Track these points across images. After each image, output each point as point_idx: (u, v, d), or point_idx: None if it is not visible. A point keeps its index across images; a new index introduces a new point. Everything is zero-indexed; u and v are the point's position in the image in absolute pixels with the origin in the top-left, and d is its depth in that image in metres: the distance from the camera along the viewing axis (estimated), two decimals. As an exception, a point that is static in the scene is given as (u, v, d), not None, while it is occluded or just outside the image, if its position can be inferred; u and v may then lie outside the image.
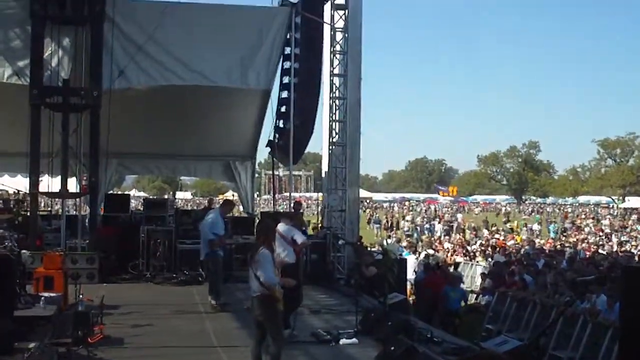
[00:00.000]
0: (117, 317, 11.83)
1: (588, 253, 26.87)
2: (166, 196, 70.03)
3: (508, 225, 55.38)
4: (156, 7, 16.98)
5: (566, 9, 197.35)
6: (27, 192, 17.11)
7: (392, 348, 9.14)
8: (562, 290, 14.32)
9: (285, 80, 18.49)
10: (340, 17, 18.68)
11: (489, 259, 24.36)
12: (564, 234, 45.70)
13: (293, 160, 18.53)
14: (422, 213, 71.91)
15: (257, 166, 28.21)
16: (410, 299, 19.86)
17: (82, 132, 16.59)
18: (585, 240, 36.10)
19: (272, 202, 30.47)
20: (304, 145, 19.31)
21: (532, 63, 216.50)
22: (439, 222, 53.88)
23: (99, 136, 16.58)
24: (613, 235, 42.61)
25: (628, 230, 47.96)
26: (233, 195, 40.35)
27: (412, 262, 22.76)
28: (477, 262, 25.32)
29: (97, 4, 16.24)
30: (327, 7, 18.67)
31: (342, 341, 10.67)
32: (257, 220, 18.43)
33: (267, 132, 20.31)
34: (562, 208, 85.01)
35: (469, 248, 30.78)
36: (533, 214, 75.27)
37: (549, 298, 14.49)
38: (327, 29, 18.70)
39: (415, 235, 45.58)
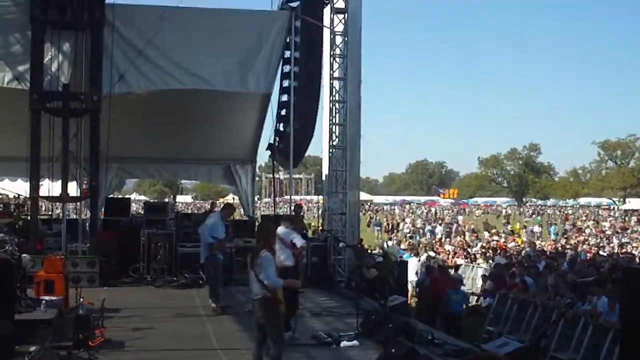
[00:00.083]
0: (117, 321, 11.82)
1: (589, 255, 26.88)
2: (167, 200, 70.03)
3: (509, 227, 55.34)
4: (156, 11, 17.00)
5: (566, 9, 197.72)
6: (28, 196, 17.14)
7: (393, 350, 9.14)
8: (562, 292, 14.33)
9: (285, 83, 18.50)
10: (340, 20, 18.70)
11: (490, 261, 24.35)
12: (565, 235, 45.66)
13: (293, 163, 18.54)
14: (422, 215, 71.89)
15: (257, 169, 28.22)
16: (413, 301, 19.89)
17: (82, 136, 16.60)
18: (586, 242, 36.08)
19: (272, 205, 30.45)
20: (304, 149, 19.33)
21: (532, 65, 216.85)
22: (440, 225, 53.85)
23: (99, 140, 16.61)
24: (614, 237, 42.59)
25: (629, 231, 47.94)
26: (234, 198, 40.36)
27: (413, 265, 22.80)
28: (478, 264, 25.31)
29: (97, 9, 16.27)
30: (326, 10, 18.70)
31: (343, 343, 10.66)
32: (258, 224, 18.44)
33: (268, 135, 20.37)
34: (562, 210, 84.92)
35: (469, 250, 30.75)
36: (534, 216, 75.19)
37: (549, 300, 14.50)
38: (326, 33, 18.72)
39: (417, 237, 45.58)
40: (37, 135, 16.11)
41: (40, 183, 16.78)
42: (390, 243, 34.10)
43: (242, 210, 25.62)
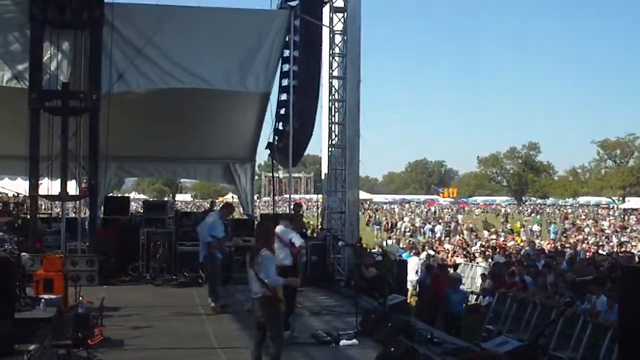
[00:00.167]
0: (117, 319, 11.83)
1: (588, 254, 26.90)
2: (166, 198, 70.00)
3: (508, 226, 55.38)
4: (155, 11, 17.01)
5: (566, 9, 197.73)
6: (27, 194, 17.13)
7: (392, 349, 9.14)
8: (562, 291, 14.34)
9: (285, 82, 18.50)
10: (339, 19, 18.70)
11: (489, 260, 24.36)
12: (564, 234, 45.70)
13: (293, 162, 18.54)
14: (422, 214, 71.90)
15: (257, 168, 28.23)
16: (412, 300, 19.90)
17: (82, 135, 16.61)
18: (586, 241, 36.10)
19: (272, 204, 30.45)
20: (303, 148, 19.32)
21: (531, 64, 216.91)
22: (439, 224, 53.89)
23: (99, 139, 16.61)
24: (613, 236, 42.62)
25: (628, 230, 47.98)
26: (233, 197, 40.37)
27: (414, 264, 22.82)
28: (477, 263, 25.32)
29: (96, 8, 16.26)
30: (326, 9, 18.68)
31: (342, 342, 10.67)
32: (257, 222, 18.46)
33: (267, 134, 20.37)
34: (562, 209, 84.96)
35: (469, 249, 30.75)
36: (533, 215, 75.24)
37: (549, 299, 14.51)
38: (326, 32, 18.70)
39: (418, 236, 45.66)
40: (37, 134, 16.11)
41: (40, 182, 16.79)
42: (389, 242, 34.14)
43: (241, 209, 25.62)
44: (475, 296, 20.05)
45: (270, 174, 28.55)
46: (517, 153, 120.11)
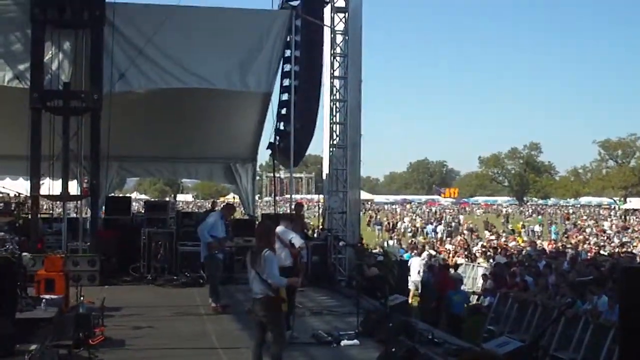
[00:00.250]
0: (118, 319, 11.84)
1: (590, 254, 26.88)
2: (167, 199, 70.04)
3: (510, 226, 55.39)
4: (156, 10, 17.01)
5: (566, 8, 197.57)
6: (28, 194, 17.13)
7: (393, 349, 9.14)
8: (563, 291, 14.33)
9: (286, 82, 18.49)
10: (341, 19, 18.69)
11: (491, 260, 24.35)
12: (565, 235, 45.70)
13: (294, 162, 18.53)
14: (423, 215, 71.93)
15: (258, 168, 28.21)
16: (414, 300, 19.91)
17: (83, 135, 16.60)
18: (587, 242, 36.08)
19: (273, 204, 30.45)
20: (304, 148, 19.32)
21: (532, 64, 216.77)
22: (440, 224, 53.94)
23: (100, 139, 16.60)
24: (615, 237, 42.59)
25: (630, 231, 47.95)
26: (234, 197, 40.36)
27: (416, 264, 22.85)
28: (479, 263, 25.32)
29: (97, 8, 16.26)
30: (327, 9, 18.67)
31: (343, 342, 10.66)
32: (257, 222, 18.45)
33: (268, 134, 20.38)
34: (563, 209, 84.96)
35: (470, 249, 30.74)
36: (534, 215, 75.23)
37: (550, 299, 14.50)
38: (327, 32, 18.71)
39: (418, 237, 45.67)
40: (38, 134, 16.12)
41: (41, 182, 16.79)
42: (390, 242, 34.17)
43: (242, 209, 25.62)
44: (476, 297, 20.05)
45: (272, 174, 28.50)
46: (519, 153, 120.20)
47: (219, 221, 13.51)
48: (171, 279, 16.72)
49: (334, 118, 18.82)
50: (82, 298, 11.25)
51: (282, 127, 19.02)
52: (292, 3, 17.85)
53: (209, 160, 23.73)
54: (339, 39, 18.72)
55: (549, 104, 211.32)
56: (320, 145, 20.17)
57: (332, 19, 18.70)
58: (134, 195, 70.18)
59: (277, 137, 19.38)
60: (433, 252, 27.23)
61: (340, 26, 18.73)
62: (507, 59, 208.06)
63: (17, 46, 16.33)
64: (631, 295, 6.84)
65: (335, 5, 18.71)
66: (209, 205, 25.91)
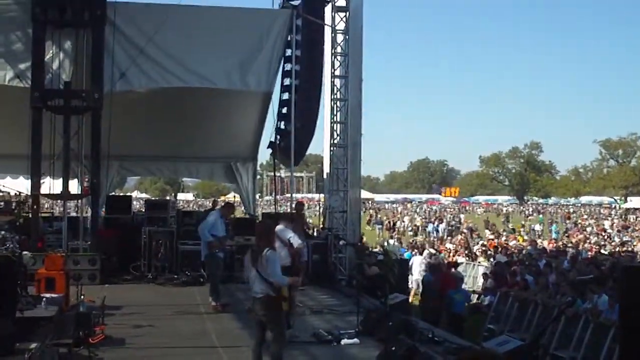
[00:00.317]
0: (118, 318, 11.85)
1: (590, 253, 26.87)
2: (168, 197, 70.05)
3: (510, 225, 55.39)
4: (156, 9, 17.02)
5: (567, 9, 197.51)
6: (29, 193, 17.14)
7: (393, 348, 9.15)
8: (564, 290, 14.33)
9: (286, 82, 18.48)
10: (341, 19, 18.70)
11: (491, 259, 24.35)
12: (566, 234, 45.70)
13: (294, 161, 18.53)
14: (423, 214, 71.95)
15: (259, 168, 28.21)
16: (416, 299, 19.91)
17: (84, 134, 16.61)
18: (587, 241, 36.07)
19: (274, 203, 30.45)
20: (305, 147, 19.32)
21: (533, 64, 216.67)
22: (441, 223, 53.96)
23: (101, 138, 16.61)
24: (615, 236, 42.58)
25: (630, 230, 47.94)
26: (234, 196, 40.36)
27: (418, 263, 22.89)
28: (479, 262, 25.32)
29: (98, 8, 16.26)
30: (328, 9, 18.68)
31: (344, 341, 10.68)
32: (257, 222, 18.45)
33: (269, 133, 20.36)
34: (563, 209, 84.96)
35: (471, 248, 30.74)
36: (534, 214, 75.23)
37: (550, 298, 14.50)
38: (328, 31, 18.71)
39: (420, 236, 45.72)
40: (39, 133, 16.13)
41: (42, 181, 16.79)
42: (391, 242, 34.18)
43: (243, 208, 25.63)
44: (476, 296, 20.05)
45: (272, 173, 28.50)
46: (519, 152, 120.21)
47: (218, 220, 13.54)
48: (172, 277, 16.74)
49: (335, 117, 18.83)
50: (82, 297, 11.26)
51: (282, 126, 19.03)
52: (292, 2, 17.85)
53: (209, 159, 23.75)
54: (340, 38, 18.73)
55: (550, 104, 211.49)
56: (321, 144, 20.21)
57: (333, 18, 18.71)
58: (134, 194, 70.16)
59: (278, 136, 19.38)
60: (433, 251, 27.24)
61: (340, 25, 18.74)
62: (508, 59, 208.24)
63: (18, 45, 16.33)
64: (631, 294, 6.83)
65: (336, 4, 18.71)
66: (210, 204, 25.88)
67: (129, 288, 15.99)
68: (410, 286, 21.37)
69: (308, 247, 16.54)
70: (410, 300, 19.45)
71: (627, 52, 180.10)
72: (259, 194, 44.67)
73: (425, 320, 13.84)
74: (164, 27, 16.53)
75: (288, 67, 18.24)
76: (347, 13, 18.62)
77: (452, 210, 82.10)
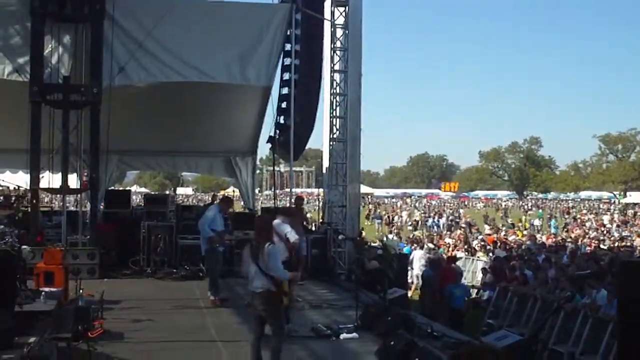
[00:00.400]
0: (117, 312, 11.85)
1: (589, 248, 26.90)
2: (167, 192, 70.07)
3: (509, 220, 55.43)
4: (155, 4, 17.02)
5: (566, 9, 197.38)
6: (28, 188, 17.14)
7: (392, 342, 9.15)
8: (563, 285, 14.34)
9: (286, 76, 18.48)
10: (341, 13, 18.66)
11: (490, 254, 24.37)
12: (565, 229, 45.74)
13: (294, 156, 18.54)
14: (422, 208, 71.99)
15: (258, 162, 28.24)
16: (416, 294, 19.93)
17: (83, 128, 16.61)
18: (587, 236, 36.11)
19: (273, 197, 30.47)
20: (304, 142, 19.33)
21: (532, 59, 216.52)
22: (442, 217, 54.03)
23: (100, 133, 16.60)
24: (614, 231, 42.62)
25: (629, 225, 47.97)
26: (234, 191, 40.35)
27: (418, 257, 22.92)
28: (478, 257, 25.35)
29: (97, 2, 16.22)
30: (327, 3, 18.64)
31: (343, 336, 10.68)
32: (256, 216, 18.45)
33: (268, 128, 20.39)
34: (563, 203, 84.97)
35: (470, 243, 30.75)
36: (534, 209, 75.26)
37: (549, 293, 14.52)
38: (327, 25, 18.69)
39: (418, 231, 45.77)
40: (38, 128, 16.11)
41: (41, 175, 16.78)
42: (390, 236, 34.21)
43: (242, 202, 25.63)
44: (476, 290, 20.08)
45: (272, 168, 28.52)
46: (519, 147, 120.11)
47: (217, 215, 13.53)
48: (171, 272, 16.75)
49: (334, 112, 18.81)
50: (81, 291, 11.29)
51: (282, 121, 19.02)
52: (292, -4, 17.82)
53: (209, 153, 23.72)
54: (339, 32, 18.69)
55: (549, 98, 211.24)
56: (321, 139, 20.20)
57: (332, 12, 18.66)
58: (134, 188, 70.08)
59: (277, 131, 19.38)
60: (432, 246, 27.28)
61: (340, 20, 18.70)
62: (507, 53, 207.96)
63: (17, 39, 16.30)
64: (630, 289, 6.84)
65: (336, -2, 18.68)
66: (209, 199, 25.89)
67: (128, 282, 15.99)
68: (410, 281, 21.40)
69: (307, 241, 16.56)
70: (411, 294, 19.52)
71: (627, 46, 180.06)
72: (259, 189, 44.75)
73: (425, 315, 13.86)
74: (163, 21, 16.50)
75: (287, 61, 18.23)
76: (347, 7, 18.58)
77: (451, 205, 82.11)
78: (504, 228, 44.37)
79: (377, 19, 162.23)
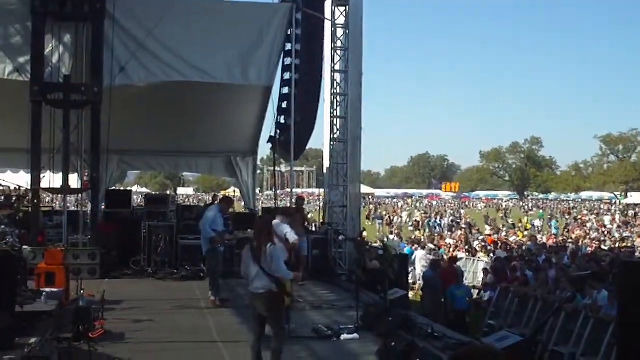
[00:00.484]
0: (118, 313, 11.84)
1: (590, 249, 26.89)
2: (168, 192, 70.05)
3: (510, 220, 55.42)
4: (156, 3, 17.01)
5: (566, 8, 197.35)
6: (29, 188, 17.14)
7: (393, 343, 9.14)
8: (563, 286, 14.33)
9: (286, 76, 18.45)
10: (341, 13, 18.65)
11: (491, 255, 24.36)
12: (566, 229, 45.72)
13: (294, 156, 18.53)
14: (425, 209, 71.98)
15: (259, 162, 28.21)
16: (418, 294, 19.90)
17: (84, 128, 16.59)
18: (588, 236, 36.10)
19: (274, 198, 30.46)
20: (305, 141, 19.32)
21: (533, 58, 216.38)
22: (445, 218, 54.04)
23: (100, 132, 16.59)
24: (615, 231, 42.59)
25: (630, 225, 47.94)
26: (234, 191, 40.33)
27: (420, 257, 22.91)
28: (479, 257, 25.33)
29: (98, 1, 16.20)
30: (328, 3, 18.63)
31: (343, 336, 10.67)
32: (257, 217, 18.44)
33: (269, 128, 20.34)
34: (563, 204, 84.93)
35: (471, 243, 30.75)
36: (534, 209, 75.23)
37: (550, 294, 14.51)
38: (328, 25, 18.68)
39: (427, 230, 45.78)
40: (38, 127, 16.10)
41: (42, 175, 16.78)
42: (391, 237, 34.20)
43: (243, 202, 25.61)
44: (477, 291, 20.08)
45: (272, 168, 28.50)
46: (520, 148, 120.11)
47: (218, 215, 13.52)
48: (171, 272, 16.73)
49: (335, 112, 18.80)
50: (82, 291, 11.26)
51: (282, 121, 19.00)
52: (292, -4, 17.81)
53: (209, 154, 23.73)
54: (340, 32, 18.69)
55: (550, 99, 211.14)
56: (321, 139, 20.18)
57: (333, 12, 18.66)
58: (135, 188, 70.10)
59: (278, 131, 19.36)
60: (432, 246, 27.27)
61: (341, 19, 18.69)
62: (508, 53, 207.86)
63: (18, 39, 16.29)
64: (630, 289, 6.83)
65: (336, -2, 18.67)
66: (210, 199, 25.89)
67: (129, 282, 15.97)
68: (411, 281, 21.40)
69: (308, 242, 16.54)
70: (413, 295, 19.50)
71: (628, 46, 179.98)
72: (259, 189, 44.72)
73: (427, 316, 13.84)
74: (164, 20, 16.49)
75: (288, 61, 18.21)
76: (347, 7, 18.57)
77: (452, 205, 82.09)
78: (504, 229, 44.36)
79: (377, 17, 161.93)
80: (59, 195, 18.66)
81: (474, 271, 23.90)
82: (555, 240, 34.13)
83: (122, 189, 29.88)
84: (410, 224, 54.54)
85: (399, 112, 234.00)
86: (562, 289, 14.24)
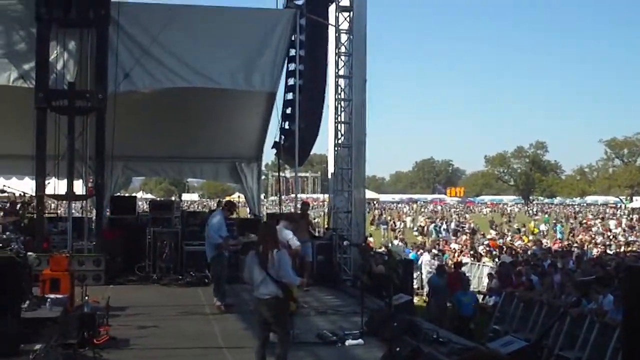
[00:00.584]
0: (123, 319, 11.83)
1: (596, 253, 26.82)
2: (173, 198, 70.03)
3: (515, 225, 55.31)
4: (161, 9, 17.04)
5: (567, 8, 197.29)
6: (34, 194, 17.17)
7: (398, 349, 9.13)
8: (569, 290, 14.30)
9: (291, 82, 18.49)
10: (345, 18, 18.65)
11: (496, 260, 24.32)
12: (571, 234, 45.61)
13: (299, 161, 18.52)
14: (431, 214, 71.90)
15: (264, 168, 28.23)
16: (423, 300, 19.87)
17: (88, 134, 16.62)
18: (593, 241, 36.00)
19: (278, 203, 30.44)
20: (309, 147, 19.31)
21: (539, 63, 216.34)
22: (451, 223, 53.97)
23: (105, 139, 16.61)
24: (621, 235, 42.47)
25: (636, 230, 47.80)
26: (239, 196, 40.33)
27: (426, 262, 22.89)
28: (484, 262, 25.29)
29: (103, 7, 16.23)
30: (331, 8, 18.64)
31: (348, 342, 10.65)
32: (261, 223, 18.43)
33: (273, 133, 20.37)
34: (569, 208, 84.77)
35: (476, 248, 30.69)
36: (540, 214, 75.08)
37: (555, 298, 14.48)
38: (332, 31, 18.68)
39: (433, 235, 45.72)
40: (43, 134, 16.11)
41: (47, 181, 16.80)
42: (396, 242, 34.17)
43: (248, 208, 25.61)
44: (482, 296, 20.04)
45: (277, 174, 28.50)
46: (525, 152, 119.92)
47: (222, 220, 13.52)
48: (176, 278, 16.71)
49: (339, 117, 18.79)
50: (87, 297, 11.26)
51: (287, 126, 19.03)
52: (296, 2, 17.83)
53: (214, 159, 23.76)
54: (344, 38, 18.68)
55: (555, 103, 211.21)
56: (326, 144, 20.16)
57: (337, 18, 18.65)
58: (139, 194, 70.08)
59: (282, 136, 19.38)
60: (436, 251, 27.23)
61: (344, 25, 18.68)
62: (512, 58, 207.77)
63: (22, 45, 16.32)
64: (635, 294, 6.80)
65: (340, 4, 18.64)
66: (214, 205, 25.89)
67: (134, 289, 15.97)
68: (416, 285, 21.36)
69: (313, 247, 16.53)
70: (418, 300, 19.45)
71: (632, 50, 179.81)
72: (264, 194, 44.66)
73: (432, 322, 13.81)
74: (168, 27, 16.53)
75: (292, 67, 18.25)
76: (351, 13, 18.56)
77: (457, 210, 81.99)
78: (509, 233, 44.26)
79: (378, 17, 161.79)
80: (64, 202, 18.66)
81: (479, 276, 23.85)
82: (560, 244, 34.06)
83: (126, 195, 29.97)
84: (415, 229, 54.47)
85: (403, 117, 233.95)
86: (567, 293, 14.21)
